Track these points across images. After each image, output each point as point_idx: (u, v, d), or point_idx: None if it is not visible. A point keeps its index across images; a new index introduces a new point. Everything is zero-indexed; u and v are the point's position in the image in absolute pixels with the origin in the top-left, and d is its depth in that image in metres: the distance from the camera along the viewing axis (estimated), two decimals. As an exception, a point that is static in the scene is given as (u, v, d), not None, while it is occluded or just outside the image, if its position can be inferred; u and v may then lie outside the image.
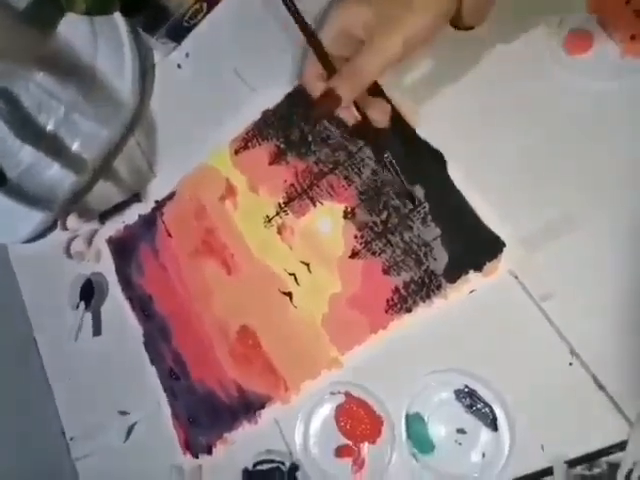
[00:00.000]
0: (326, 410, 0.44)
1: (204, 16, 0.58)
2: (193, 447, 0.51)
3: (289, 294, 0.47)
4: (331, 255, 0.46)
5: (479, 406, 0.38)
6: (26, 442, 0.57)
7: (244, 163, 0.51)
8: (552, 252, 0.38)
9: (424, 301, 0.41)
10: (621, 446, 0.34)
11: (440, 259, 0.41)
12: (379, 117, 0.39)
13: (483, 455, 0.38)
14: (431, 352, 0.41)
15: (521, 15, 0.41)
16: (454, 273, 0.41)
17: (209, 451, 0.50)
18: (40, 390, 0.61)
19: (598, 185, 0.37)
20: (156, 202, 0.57)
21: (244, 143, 0.52)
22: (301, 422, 0.45)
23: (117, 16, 0.58)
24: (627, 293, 0.35)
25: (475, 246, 0.40)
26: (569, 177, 0.38)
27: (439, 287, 0.41)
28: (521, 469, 0.37)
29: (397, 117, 0.44)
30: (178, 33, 0.58)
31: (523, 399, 0.37)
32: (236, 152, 0.52)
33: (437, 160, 0.42)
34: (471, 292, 0.40)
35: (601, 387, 0.35)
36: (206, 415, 0.50)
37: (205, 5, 0.57)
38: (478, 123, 0.42)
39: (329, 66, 0.35)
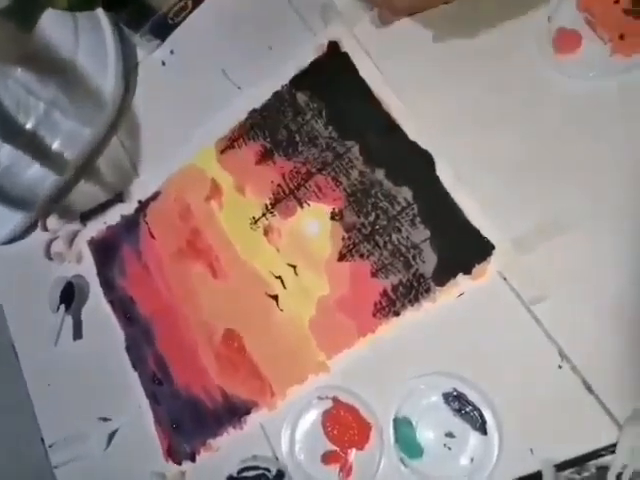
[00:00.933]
0: (313, 415, 0.43)
1: (189, 13, 0.57)
2: (176, 454, 0.49)
3: (275, 297, 0.46)
4: (319, 257, 0.45)
5: (468, 409, 0.38)
6: (4, 449, 0.55)
7: (230, 163, 0.51)
8: (542, 254, 0.37)
9: (412, 304, 0.41)
10: (610, 449, 0.34)
11: (429, 262, 0.41)
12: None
13: (472, 459, 0.37)
14: (420, 356, 0.40)
15: (510, 14, 0.41)
16: (443, 276, 0.40)
17: (192, 458, 0.49)
18: (18, 396, 0.59)
19: (587, 186, 0.37)
20: (139, 202, 0.56)
21: (230, 143, 0.51)
22: (287, 427, 0.44)
23: (100, 12, 0.57)
24: (616, 295, 0.35)
25: (464, 249, 0.40)
26: (558, 178, 0.38)
27: (428, 290, 0.40)
28: (510, 473, 0.36)
29: (386, 117, 0.44)
30: (162, 30, 0.57)
31: (512, 402, 0.37)
32: (222, 152, 0.51)
33: (425, 161, 0.42)
34: (460, 295, 0.40)
35: (590, 390, 0.35)
36: (190, 421, 0.49)
37: (190, 2, 0.56)
38: (467, 123, 0.41)
39: None
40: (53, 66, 0.56)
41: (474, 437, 0.37)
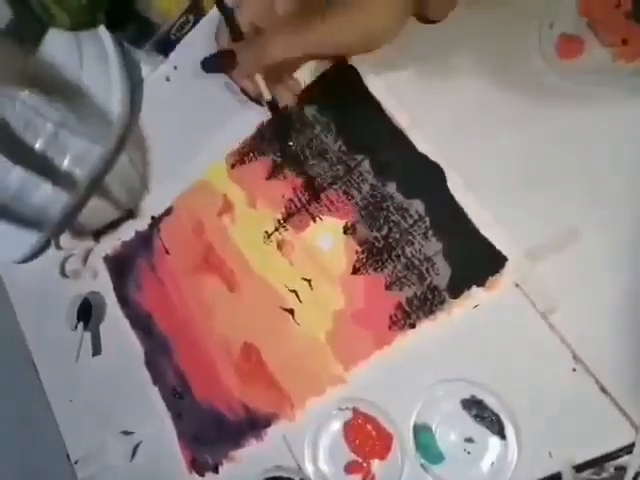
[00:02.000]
0: (335, 426, 0.44)
1: (191, 28, 0.57)
2: (199, 466, 0.50)
3: (291, 311, 0.47)
4: (333, 271, 0.45)
5: (486, 415, 0.38)
6: (31, 468, 0.56)
7: (241, 178, 0.51)
8: (554, 264, 0.38)
9: (428, 316, 0.41)
10: (627, 449, 0.34)
11: (443, 274, 0.41)
12: (283, 94, 0.41)
13: (492, 463, 0.38)
14: (436, 365, 0.41)
15: (512, 20, 0.41)
16: (457, 288, 0.40)
17: (216, 470, 0.50)
18: (42, 414, 0.60)
19: (595, 193, 0.37)
20: (152, 218, 0.56)
21: (240, 157, 0.51)
22: (309, 439, 0.44)
23: (102, 31, 0.57)
24: (629, 296, 0.36)
25: (477, 261, 0.40)
26: (569, 187, 0.38)
27: (442, 302, 0.41)
28: (530, 475, 0.37)
29: (394, 130, 0.44)
30: (165, 46, 0.57)
31: (529, 406, 0.38)
32: (232, 166, 0.51)
33: (436, 173, 0.42)
34: (475, 307, 0.40)
35: (605, 391, 0.36)
36: (211, 433, 0.50)
37: (192, 17, 0.56)
38: (474, 134, 0.42)
39: (234, 28, 0.37)
40: (59, 86, 0.57)
41: (493, 441, 0.38)
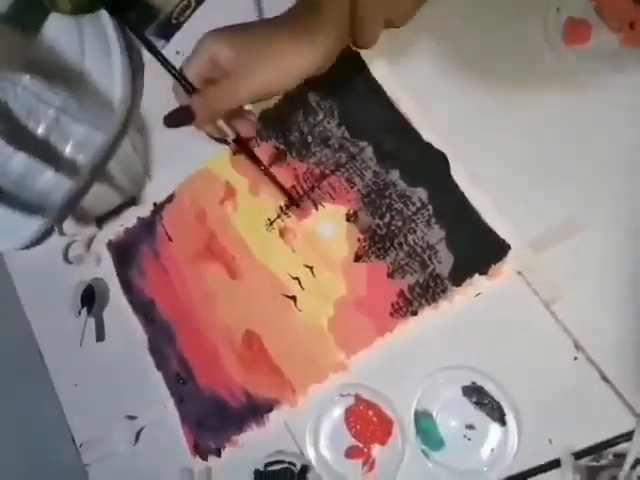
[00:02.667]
0: (336, 412, 0.44)
1: (192, 12, 0.56)
2: (202, 450, 0.51)
3: (293, 298, 0.47)
4: (335, 258, 0.45)
5: (486, 401, 0.39)
6: (37, 451, 0.57)
7: (243, 165, 0.51)
8: (557, 253, 0.38)
9: (430, 304, 0.41)
10: (627, 437, 0.35)
11: (445, 262, 0.41)
12: (243, 128, 0.43)
13: (492, 450, 0.38)
14: (438, 353, 0.41)
15: (517, 3, 0.40)
16: (459, 276, 0.41)
17: (218, 454, 0.50)
18: (47, 398, 0.61)
19: (601, 184, 0.37)
20: (155, 205, 0.56)
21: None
22: (311, 424, 0.45)
23: (103, 15, 0.57)
24: (631, 285, 0.36)
25: (480, 249, 0.40)
26: (572, 176, 0.38)
27: (444, 290, 0.41)
28: (529, 462, 0.37)
29: (399, 117, 0.43)
30: (167, 31, 0.57)
31: (530, 394, 0.38)
32: (235, 153, 0.51)
33: (440, 161, 0.42)
34: (477, 295, 0.40)
35: (606, 379, 0.36)
36: (214, 418, 0.50)
37: (193, 1, 0.55)
38: (478, 121, 0.41)
39: (185, 85, 0.40)
40: (60, 71, 0.57)
41: (494, 428, 0.39)
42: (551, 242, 0.38)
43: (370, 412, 0.42)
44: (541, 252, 0.38)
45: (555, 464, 0.36)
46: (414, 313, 0.42)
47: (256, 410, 0.48)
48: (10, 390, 0.58)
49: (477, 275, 0.40)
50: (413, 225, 0.42)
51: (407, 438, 0.41)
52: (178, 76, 0.40)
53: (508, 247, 0.39)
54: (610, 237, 0.36)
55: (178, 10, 0.55)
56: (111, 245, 0.59)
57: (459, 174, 0.41)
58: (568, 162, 0.38)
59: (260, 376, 0.48)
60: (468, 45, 0.42)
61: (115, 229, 0.59)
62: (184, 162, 0.54)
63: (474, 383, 0.39)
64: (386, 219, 0.43)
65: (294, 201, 0.47)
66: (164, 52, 0.56)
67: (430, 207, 0.42)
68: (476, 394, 0.39)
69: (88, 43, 0.57)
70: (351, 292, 0.44)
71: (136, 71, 0.59)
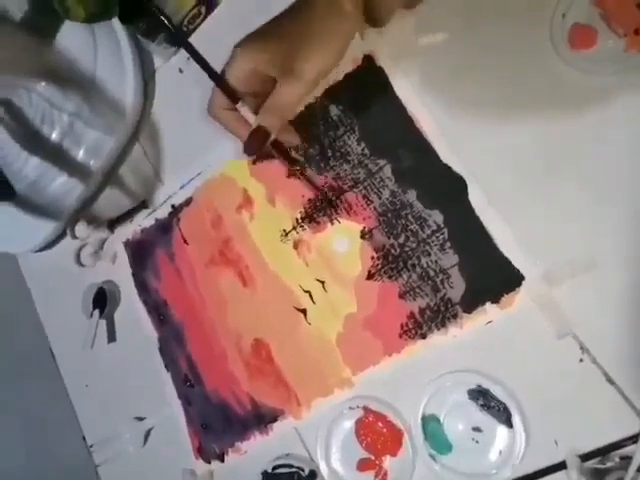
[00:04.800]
0: (346, 425, 0.45)
1: (203, 20, 0.57)
2: (206, 453, 0.52)
3: (304, 311, 0.47)
4: (347, 275, 0.45)
5: (493, 404, 0.39)
6: (48, 451, 0.58)
7: (262, 174, 0.50)
8: (571, 289, 0.37)
9: (439, 329, 0.41)
10: (633, 439, 0.35)
11: (457, 287, 0.41)
12: (289, 137, 0.44)
13: (500, 452, 0.39)
14: (444, 363, 0.41)
15: (524, 10, 0.41)
16: (471, 303, 0.40)
17: (221, 458, 0.51)
18: (59, 399, 0.62)
19: (616, 218, 0.37)
20: (173, 207, 0.56)
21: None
22: (322, 437, 0.45)
23: (116, 23, 0.58)
24: (635, 289, 0.36)
25: (493, 277, 0.39)
26: (590, 208, 0.37)
27: (455, 316, 0.41)
28: (536, 464, 0.38)
29: (419, 137, 0.43)
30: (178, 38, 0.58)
31: (536, 396, 0.38)
32: (254, 162, 0.51)
33: (458, 185, 0.41)
34: (488, 323, 0.40)
35: (611, 382, 0.36)
36: (219, 423, 0.51)
37: (203, 9, 0.56)
38: (498, 146, 0.40)
39: (233, 98, 0.39)
40: (73, 78, 0.58)
41: (501, 431, 0.39)
42: (565, 276, 0.37)
43: (380, 424, 0.43)
44: (555, 286, 0.37)
45: (561, 466, 0.37)
46: (423, 336, 0.42)
47: (260, 419, 0.48)
48: (22, 390, 0.59)
49: (489, 303, 0.40)
50: (427, 248, 0.42)
51: (417, 448, 0.41)
52: (224, 85, 0.39)
53: (522, 278, 0.38)
54: (627, 278, 0.36)
55: (189, 18, 0.56)
56: (128, 244, 0.60)
57: (477, 199, 0.40)
58: (586, 193, 0.37)
59: (266, 385, 0.48)
60: (486, 60, 0.42)
61: (133, 228, 0.59)
62: (195, 166, 0.55)
63: (480, 386, 0.39)
64: (401, 239, 0.43)
65: (331, 203, 0.46)
66: (175, 59, 0.59)
67: (445, 231, 0.41)
68: (482, 397, 0.39)
69: (101, 50, 0.58)
70: (361, 310, 0.44)
71: (148, 77, 0.60)
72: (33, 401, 0.60)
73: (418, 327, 0.42)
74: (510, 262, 0.39)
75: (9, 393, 0.59)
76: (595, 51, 0.39)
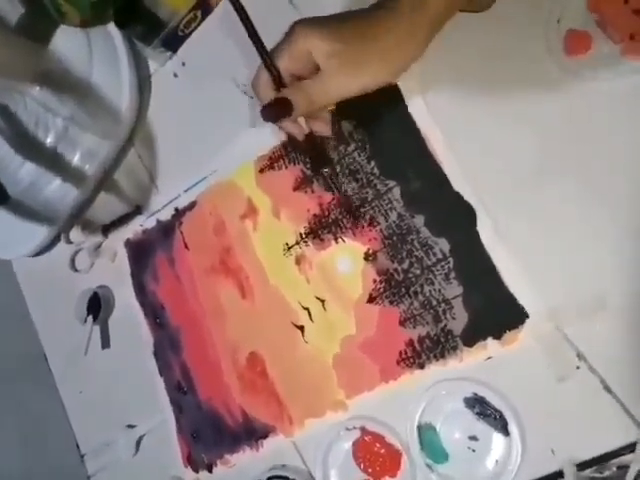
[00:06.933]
0: (344, 447, 0.44)
1: (199, 24, 0.57)
2: (194, 462, 0.51)
3: (301, 328, 0.46)
4: (348, 296, 0.44)
5: (489, 412, 0.39)
6: (42, 459, 0.57)
7: (268, 184, 0.49)
8: (578, 331, 0.37)
9: (438, 360, 0.41)
10: (630, 448, 0.34)
11: (459, 319, 0.40)
12: (321, 128, 0.42)
13: (496, 461, 0.38)
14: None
15: (519, 16, 0.41)
16: (472, 337, 0.39)
17: (209, 469, 0.50)
18: (53, 406, 0.61)
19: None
20: (176, 210, 0.56)
21: (270, 162, 0.49)
22: (320, 459, 0.44)
23: (111, 27, 0.58)
24: (633, 297, 0.35)
25: (497, 312, 0.39)
26: (600, 248, 0.37)
27: (455, 348, 0.40)
28: (533, 473, 0.37)
29: (431, 160, 0.42)
30: (173, 42, 0.57)
31: (532, 404, 0.38)
32: (261, 171, 0.50)
33: (467, 214, 0.40)
34: (488, 359, 0.39)
35: (609, 390, 0.36)
36: (209, 433, 0.50)
37: (199, 13, 0.56)
38: (510, 178, 0.40)
39: (277, 79, 0.38)
40: (69, 82, 0.58)
41: (497, 439, 0.38)
42: (573, 318, 0.37)
43: (377, 445, 0.42)
44: (560, 325, 0.37)
45: (558, 475, 0.36)
46: (421, 366, 0.41)
47: (251, 433, 0.48)
48: (16, 398, 0.59)
49: (490, 338, 0.39)
50: (431, 276, 0.41)
51: (416, 467, 0.41)
52: (273, 67, 0.38)
53: (526, 316, 0.38)
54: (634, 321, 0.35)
55: (184, 22, 0.56)
56: (128, 244, 0.59)
57: (485, 230, 0.40)
58: (597, 223, 0.37)
59: (259, 399, 0.48)
60: (477, 69, 0.41)
61: (134, 228, 0.59)
62: (189, 170, 0.55)
63: (476, 394, 0.39)
64: (405, 265, 0.42)
65: (355, 214, 0.45)
66: (170, 63, 0.58)
67: (451, 260, 0.41)
68: (478, 405, 0.39)
69: (96, 55, 0.58)
70: (360, 333, 0.44)
71: (143, 82, 0.60)
72: (27, 408, 0.60)
73: (416, 356, 0.41)
74: (515, 298, 0.38)
75: (2, 400, 0.58)
76: (590, 56, 0.39)
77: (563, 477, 0.36)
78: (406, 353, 0.42)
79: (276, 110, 0.38)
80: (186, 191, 0.55)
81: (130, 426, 0.56)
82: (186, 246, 0.54)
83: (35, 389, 0.62)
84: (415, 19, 0.35)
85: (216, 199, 0.53)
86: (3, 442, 0.57)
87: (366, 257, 0.44)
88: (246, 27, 0.37)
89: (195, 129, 0.56)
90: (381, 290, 0.43)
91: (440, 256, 0.41)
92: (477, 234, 0.40)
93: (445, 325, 0.40)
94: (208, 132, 0.54)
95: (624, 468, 0.34)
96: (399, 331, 0.42)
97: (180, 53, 0.58)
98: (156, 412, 0.55)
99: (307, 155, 0.47)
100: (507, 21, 0.41)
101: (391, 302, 0.43)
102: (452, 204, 0.41)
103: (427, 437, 0.40)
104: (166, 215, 0.56)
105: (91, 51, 0.57)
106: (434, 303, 0.41)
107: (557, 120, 0.39)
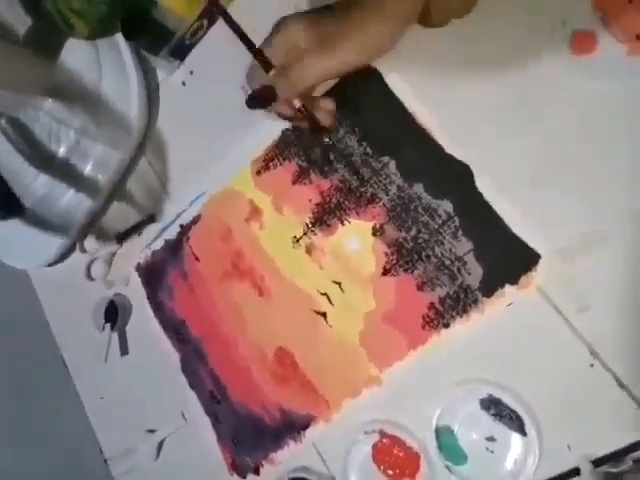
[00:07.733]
0: (363, 451, 0.44)
1: (205, 32, 0.58)
2: (240, 468, 0.51)
3: (323, 314, 0.47)
4: (363, 273, 0.45)
5: (505, 413, 0.39)
6: (66, 465, 0.58)
7: (267, 184, 0.51)
8: (585, 265, 0.37)
9: (461, 316, 0.41)
10: (645, 443, 0.35)
11: (474, 273, 0.41)
12: (324, 116, 0.44)
13: (515, 460, 0.39)
14: (468, 365, 0.41)
15: (525, 16, 0.41)
16: (490, 287, 0.40)
17: (256, 471, 0.51)
18: (75, 413, 0.62)
19: (623, 196, 0.37)
20: (181, 227, 0.57)
21: (265, 164, 0.51)
22: (340, 464, 0.45)
23: (119, 38, 0.58)
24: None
25: (510, 259, 0.39)
26: (589, 184, 0.38)
27: (475, 302, 0.41)
28: (550, 470, 0.38)
29: (420, 130, 0.43)
30: (181, 51, 0.58)
31: (547, 402, 0.38)
32: (258, 173, 0.51)
33: (464, 173, 0.41)
34: (509, 305, 0.40)
35: (622, 386, 0.36)
36: (250, 436, 0.51)
37: (205, 22, 0.57)
38: (499, 132, 0.41)
39: (267, 66, 0.40)
40: (79, 94, 0.58)
41: (515, 439, 0.39)
42: (578, 253, 0.37)
43: (396, 448, 0.43)
44: (569, 263, 0.38)
45: (575, 472, 0.37)
46: (446, 325, 0.42)
47: (292, 426, 0.48)
48: (38, 405, 0.60)
49: (508, 285, 0.39)
50: (440, 237, 0.42)
51: (435, 469, 0.41)
52: (258, 53, 0.40)
53: (538, 256, 0.39)
54: (630, 250, 0.36)
55: (191, 31, 0.57)
56: (140, 269, 0.60)
57: (484, 185, 0.41)
58: (583, 171, 0.38)
59: (294, 392, 0.48)
60: (483, 57, 0.42)
61: (143, 252, 0.60)
62: (201, 179, 0.55)
63: (491, 395, 0.39)
64: (413, 232, 0.43)
65: (340, 205, 0.47)
66: (178, 72, 0.59)
67: (456, 219, 0.41)
68: (494, 406, 0.39)
69: (105, 66, 0.58)
70: (380, 306, 0.44)
71: (152, 91, 0.60)
72: (49, 415, 0.61)
73: (440, 317, 0.42)
74: (525, 242, 0.39)
75: (25, 408, 0.60)
76: (596, 56, 0.39)
77: (579, 475, 0.36)
78: (429, 316, 0.42)
79: (260, 97, 0.41)
80: (191, 204, 0.57)
81: (150, 431, 0.57)
82: (196, 258, 0.55)
83: (57, 396, 0.63)
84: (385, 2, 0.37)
85: (219, 208, 0.54)
86: (27, 448, 0.58)
87: (374, 232, 0.45)
88: (226, 21, 0.40)
89: (204, 136, 0.56)
90: (394, 261, 0.44)
91: (445, 217, 0.42)
92: (477, 190, 0.41)
93: (462, 282, 0.41)
94: (217, 139, 0.55)
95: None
96: (418, 296, 0.43)
97: (188, 62, 0.59)
98: (176, 416, 0.55)
99: (307, 126, 0.47)
100: (511, 23, 0.41)
101: (405, 270, 0.43)
102: (447, 166, 0.42)
103: (445, 439, 0.41)
104: (172, 234, 0.58)
105: (100, 63, 0.58)
106: (447, 263, 0.42)
107: (564, 120, 0.39)
